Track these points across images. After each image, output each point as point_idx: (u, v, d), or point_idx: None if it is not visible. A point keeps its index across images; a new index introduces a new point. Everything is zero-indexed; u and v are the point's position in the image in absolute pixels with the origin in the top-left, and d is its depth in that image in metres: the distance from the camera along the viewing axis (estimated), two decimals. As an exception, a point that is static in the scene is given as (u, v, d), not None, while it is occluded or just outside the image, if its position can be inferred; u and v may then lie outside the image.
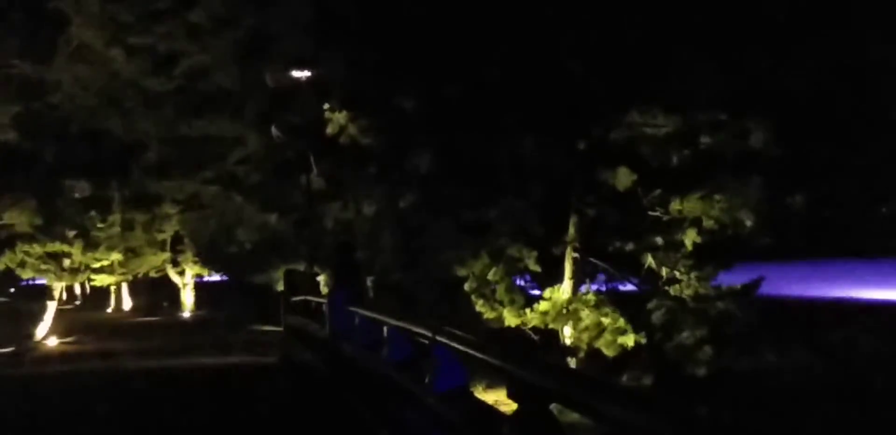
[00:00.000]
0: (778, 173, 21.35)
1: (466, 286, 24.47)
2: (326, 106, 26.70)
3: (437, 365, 9.94)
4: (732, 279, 23.04)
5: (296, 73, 29.79)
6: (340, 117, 25.88)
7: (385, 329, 12.96)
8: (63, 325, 38.32)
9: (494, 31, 22.60)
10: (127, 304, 58.17)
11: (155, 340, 35.39)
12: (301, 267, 34.11)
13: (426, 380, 10.28)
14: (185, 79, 32.30)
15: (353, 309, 16.25)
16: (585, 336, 23.00)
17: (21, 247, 50.31)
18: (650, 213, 22.60)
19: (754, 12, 21.08)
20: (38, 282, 59.02)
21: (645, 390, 21.33)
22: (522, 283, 26.96)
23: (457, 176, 23.87)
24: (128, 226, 50.36)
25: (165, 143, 37.11)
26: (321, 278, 33.98)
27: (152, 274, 54.74)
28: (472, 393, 10.74)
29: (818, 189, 22.46)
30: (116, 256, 51.65)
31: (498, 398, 14.89)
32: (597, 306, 23.03)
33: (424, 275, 26.73)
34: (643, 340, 22.47)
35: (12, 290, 55.98)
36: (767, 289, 23.23)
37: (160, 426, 15.60)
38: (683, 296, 22.42)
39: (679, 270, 22.54)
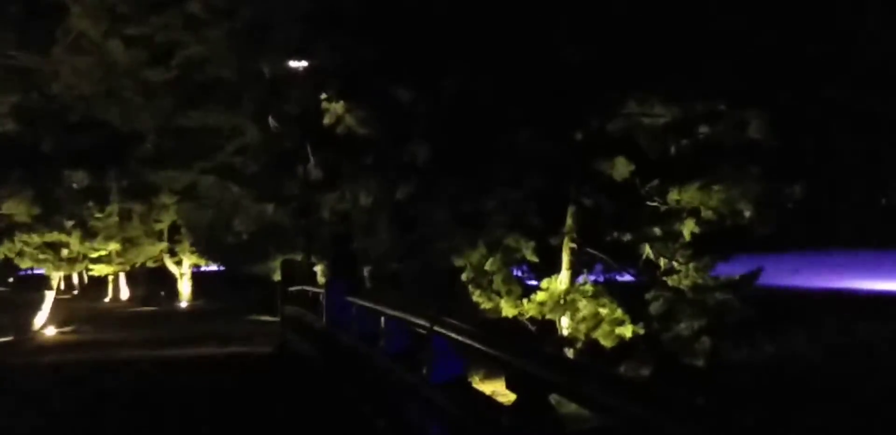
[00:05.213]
0: (776, 164, 21.33)
1: (463, 276, 24.46)
2: (323, 96, 26.68)
3: (435, 355, 9.93)
4: (731, 270, 23.04)
5: (293, 64, 29.77)
6: (337, 108, 25.86)
7: (382, 319, 12.94)
8: (61, 314, 38.35)
9: (491, 21, 22.54)
10: (124, 293, 58.24)
11: (152, 330, 35.41)
12: (298, 257, 34.14)
13: (424, 370, 10.27)
14: (183, 69, 32.25)
15: (350, 299, 16.24)
16: (583, 327, 23.00)
17: (20, 237, 50.38)
18: (648, 203, 22.59)
19: (751, 2, 21.08)
20: (36, 272, 59.05)
21: (643, 381, 21.34)
22: (520, 273, 26.96)
23: (454, 166, 23.83)
24: (125, 216, 50.47)
25: (163, 134, 37.12)
26: (318, 268, 34.03)
27: (150, 264, 54.84)
28: (469, 383, 10.73)
29: (817, 180, 22.44)
30: (114, 246, 51.75)
31: (495, 389, 14.88)
32: (594, 297, 23.03)
33: (421, 265, 26.72)
34: (641, 331, 22.47)
35: (10, 279, 56.08)
36: (766, 279, 23.23)
37: (158, 416, 15.60)
38: (681, 286, 22.43)
39: (677, 261, 22.54)
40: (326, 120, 26.15)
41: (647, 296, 22.72)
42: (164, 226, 51.48)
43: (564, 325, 23.64)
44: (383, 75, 24.81)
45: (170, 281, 55.58)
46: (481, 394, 10.33)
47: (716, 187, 21.42)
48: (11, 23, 36.65)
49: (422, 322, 10.53)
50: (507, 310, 23.78)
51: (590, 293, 23.13)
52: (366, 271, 30.73)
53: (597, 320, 22.83)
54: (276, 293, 30.53)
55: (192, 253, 50.19)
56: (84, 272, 60.25)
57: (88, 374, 22.36)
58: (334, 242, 32.25)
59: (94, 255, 52.75)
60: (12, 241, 50.61)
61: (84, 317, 41.41)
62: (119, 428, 14.79)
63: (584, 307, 23.02)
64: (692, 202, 21.87)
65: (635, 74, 21.55)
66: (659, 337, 22.53)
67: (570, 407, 6.98)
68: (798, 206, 22.07)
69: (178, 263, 54.15)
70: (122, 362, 25.08)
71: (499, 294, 24.03)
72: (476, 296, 24.26)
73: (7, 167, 45.29)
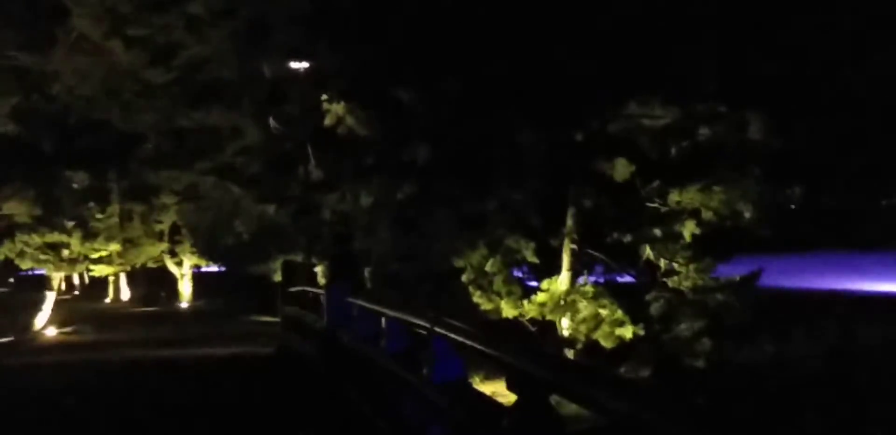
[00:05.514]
0: (777, 165, 21.35)
1: (464, 277, 24.47)
2: (324, 97, 26.65)
3: (436, 356, 9.94)
4: (731, 271, 23.04)
5: (294, 65, 29.77)
6: (338, 108, 25.83)
7: (383, 320, 12.95)
8: (62, 315, 38.35)
9: (492, 22, 22.54)
10: (125, 294, 58.20)
11: (153, 331, 35.42)
12: (299, 258, 34.13)
13: (424, 371, 10.28)
14: (184, 70, 32.20)
15: (350, 300, 16.25)
16: (583, 328, 23.00)
17: (20, 237, 50.40)
18: (648, 204, 22.60)
19: (752, 3, 21.09)
20: (37, 272, 59.04)
21: (643, 382, 21.35)
22: (520, 274, 26.95)
23: (454, 167, 23.83)
24: (126, 216, 50.52)
25: (163, 134, 37.08)
26: (319, 269, 33.99)
27: (150, 264, 54.81)
28: (470, 384, 10.75)
29: (817, 181, 22.46)
30: (115, 247, 51.75)
31: (496, 389, 14.89)
32: (595, 298, 23.03)
33: (422, 266, 26.71)
34: (641, 332, 22.47)
35: (11, 280, 56.10)
36: (766, 280, 23.23)
37: (158, 416, 15.61)
38: (682, 287, 22.43)
39: (677, 262, 22.54)
40: (327, 120, 26.11)
41: (648, 297, 22.73)
42: (164, 226, 51.51)
43: (565, 326, 23.65)
44: (384, 76, 24.80)
45: (170, 282, 55.56)
46: (482, 394, 10.35)
47: (716, 188, 21.43)
48: (12, 23, 36.63)
49: (422, 323, 10.54)
50: (508, 311, 23.79)
51: (590, 294, 23.13)
52: (366, 272, 30.70)
53: (597, 321, 22.83)
54: (276, 294, 30.48)
55: (193, 254, 50.15)
56: (85, 273, 60.21)
57: (89, 374, 22.37)
58: (335, 243, 32.22)
59: (95, 255, 52.73)
60: (13, 241, 50.64)
61: (85, 317, 41.40)
62: (119, 428, 14.81)
63: (585, 308, 23.03)
64: (692, 203, 21.88)
65: (636, 76, 21.56)
66: (659, 338, 22.54)
67: (570, 407, 6.99)
68: (799, 207, 22.10)
69: (179, 264, 54.14)
70: (123, 363, 25.10)
71: (499, 295, 24.05)
72: (476, 297, 24.28)
73: (8, 168, 45.29)
